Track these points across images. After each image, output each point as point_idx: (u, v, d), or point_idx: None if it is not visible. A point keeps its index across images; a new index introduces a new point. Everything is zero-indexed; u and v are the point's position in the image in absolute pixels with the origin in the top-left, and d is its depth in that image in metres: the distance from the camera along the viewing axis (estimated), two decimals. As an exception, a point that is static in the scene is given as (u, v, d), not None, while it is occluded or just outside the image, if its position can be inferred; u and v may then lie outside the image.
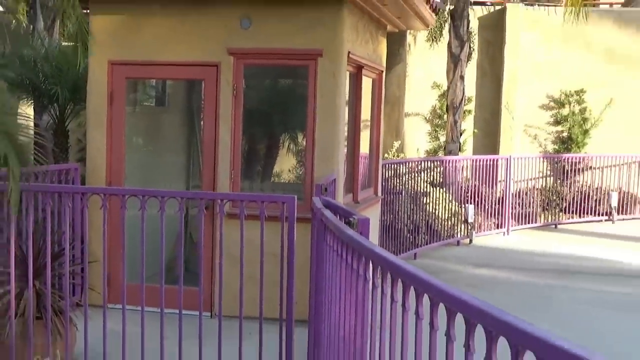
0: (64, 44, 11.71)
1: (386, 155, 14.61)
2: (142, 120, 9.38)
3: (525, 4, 18.99)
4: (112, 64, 7.75)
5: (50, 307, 5.38)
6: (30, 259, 5.35)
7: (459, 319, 2.24)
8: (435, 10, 10.20)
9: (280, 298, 5.13)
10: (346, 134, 8.14)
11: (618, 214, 16.48)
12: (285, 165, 9.60)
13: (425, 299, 2.53)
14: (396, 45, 17.15)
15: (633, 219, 16.71)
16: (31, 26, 12.98)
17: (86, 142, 8.17)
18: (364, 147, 9.35)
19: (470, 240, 13.45)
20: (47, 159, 7.54)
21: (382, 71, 10.08)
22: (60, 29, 12.94)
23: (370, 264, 3.20)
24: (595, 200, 16.42)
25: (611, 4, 23.10)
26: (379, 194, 10.35)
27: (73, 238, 5.76)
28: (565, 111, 18.01)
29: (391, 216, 11.41)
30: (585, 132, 17.83)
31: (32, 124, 9.39)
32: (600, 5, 22.42)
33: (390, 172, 11.81)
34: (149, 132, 9.53)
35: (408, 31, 16.42)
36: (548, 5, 17.98)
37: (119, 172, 7.81)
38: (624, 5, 21.43)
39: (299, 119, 8.25)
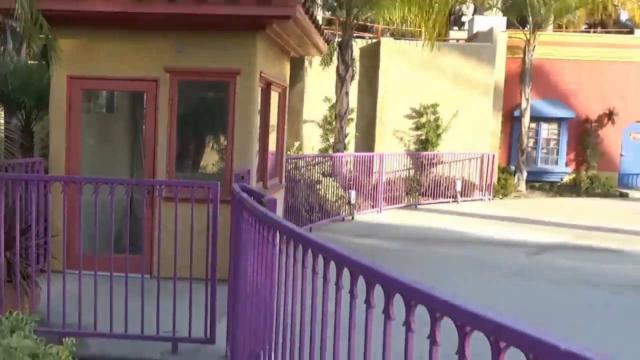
0: (29, 62, 11.22)
1: (289, 152, 14.61)
2: (95, 124, 9.06)
3: (395, 39, 19.33)
4: (70, 78, 7.45)
5: (19, 272, 5.15)
6: (2, 234, 5.12)
7: (346, 272, 2.28)
8: (327, 41, 10.24)
9: (207, 262, 5.07)
10: (258, 135, 8.11)
11: (461, 196, 17.07)
12: (211, 159, 9.47)
13: (320, 259, 2.56)
14: (297, 68, 17.17)
15: (472, 200, 17.35)
16: (2, 47, 12.36)
17: (49, 140, 7.84)
18: (272, 146, 9.33)
19: (352, 217, 13.62)
20: (16, 154, 7.24)
21: (286, 87, 10.06)
22: (26, 50, 12.39)
23: (278, 234, 3.20)
24: (445, 187, 16.94)
25: (457, 40, 23.81)
26: (283, 182, 10.35)
27: (38, 217, 5.52)
28: (423, 120, 18.43)
29: (292, 199, 11.44)
30: (438, 136, 18.30)
31: (2, 124, 8.99)
32: (450, 40, 23.06)
33: (291, 165, 11.83)
34: (101, 133, 9.21)
35: (306, 57, 16.46)
36: (411, 40, 18.37)
37: (75, 164, 7.54)
38: (467, 41, 22.12)
39: (221, 124, 8.15)
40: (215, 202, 5.03)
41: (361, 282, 2.16)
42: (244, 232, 4.20)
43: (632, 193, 20.41)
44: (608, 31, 25.31)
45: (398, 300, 1.91)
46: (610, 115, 20.96)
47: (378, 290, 2.04)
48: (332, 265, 2.40)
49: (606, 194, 20.00)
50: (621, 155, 21.47)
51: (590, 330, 6.43)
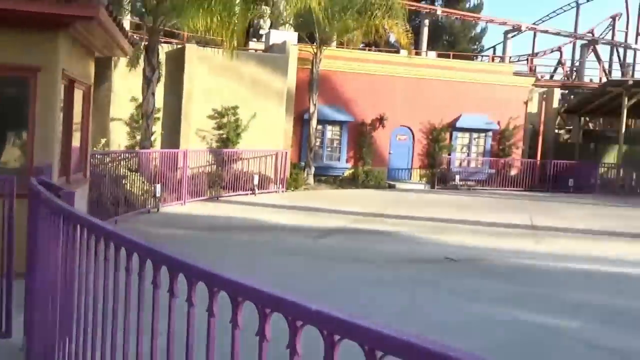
0: None
1: (95, 148, 13.74)
2: None
3: (201, 45, 19.05)
4: None
5: None
6: None
7: (135, 257, 2.20)
8: (133, 43, 9.79)
9: (2, 256, 4.59)
10: (61, 131, 7.51)
11: (258, 189, 17.34)
12: (12, 155, 8.56)
13: (112, 246, 2.45)
14: (104, 67, 16.22)
15: (268, 192, 17.71)
16: None
17: None
18: (76, 142, 8.71)
19: (158, 209, 13.18)
20: None
21: (91, 85, 9.44)
22: None
23: (72, 225, 3.00)
24: (244, 181, 17.09)
25: (256, 50, 24.12)
26: (88, 176, 9.72)
27: None
28: (225, 120, 18.42)
29: (98, 193, 10.78)
30: (238, 135, 18.41)
31: None
32: (250, 50, 23.29)
33: (97, 160, 11.16)
34: None
35: (113, 57, 15.59)
36: (214, 47, 18.24)
37: None
38: (264, 51, 22.49)
39: (23, 119, 7.41)
40: (12, 195, 4.58)
41: (156, 267, 2.10)
42: (40, 225, 3.87)
43: (399, 185, 22.31)
44: (380, 50, 27.31)
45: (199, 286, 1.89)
46: (381, 119, 22.67)
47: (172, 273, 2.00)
48: (123, 251, 2.30)
49: (378, 186, 21.62)
50: (389, 153, 23.35)
51: (360, 298, 6.90)
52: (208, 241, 10.15)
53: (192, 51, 18.17)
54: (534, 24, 36.63)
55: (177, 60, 18.08)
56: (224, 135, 18.37)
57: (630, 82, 24.22)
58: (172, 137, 17.98)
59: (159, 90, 16.28)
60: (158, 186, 13.02)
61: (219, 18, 13.26)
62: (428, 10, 34.08)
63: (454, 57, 28.71)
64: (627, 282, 8.54)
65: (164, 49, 17.37)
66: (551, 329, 6.08)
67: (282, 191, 18.30)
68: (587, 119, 34.28)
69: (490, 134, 24.24)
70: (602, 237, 12.43)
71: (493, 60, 35.36)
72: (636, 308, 7.05)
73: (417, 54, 27.42)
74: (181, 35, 23.00)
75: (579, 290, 7.84)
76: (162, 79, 17.20)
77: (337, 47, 23.57)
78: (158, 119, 17.36)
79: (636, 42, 38.28)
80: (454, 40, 41.06)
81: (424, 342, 1.16)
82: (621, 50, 38.36)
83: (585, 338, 5.83)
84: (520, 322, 6.26)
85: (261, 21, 25.60)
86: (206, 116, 18.30)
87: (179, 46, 19.04)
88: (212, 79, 18.14)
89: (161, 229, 11.11)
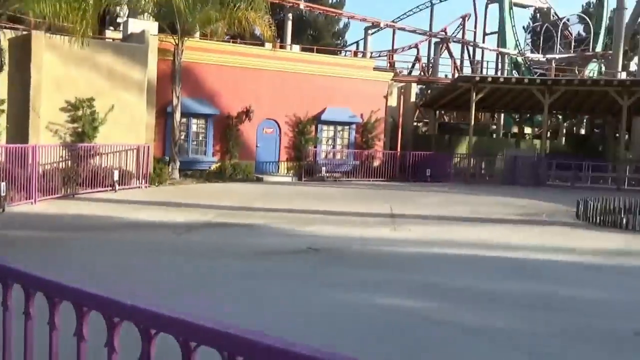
0: None
1: None
2: None
3: (52, 33, 17.77)
4: None
5: None
6: None
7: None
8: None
9: None
10: None
11: (119, 185, 16.61)
12: None
13: None
14: None
15: (130, 188, 17.03)
16: None
17: None
18: None
19: (3, 210, 12.15)
20: None
21: None
22: None
23: None
24: (103, 177, 16.29)
25: (113, 39, 23.03)
26: None
27: None
28: (79, 113, 17.40)
29: None
30: (95, 129, 17.49)
31: None
32: (106, 39, 22.17)
33: None
34: None
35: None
36: (65, 35, 17.11)
37: None
38: (122, 40, 21.51)
39: None
40: None
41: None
42: None
43: (266, 177, 22.44)
44: (245, 42, 27.20)
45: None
46: (247, 112, 22.63)
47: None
48: None
49: (246, 179, 21.61)
50: (257, 146, 23.39)
51: (220, 291, 6.85)
52: (56, 242, 9.52)
53: (39, 39, 16.90)
54: (392, 21, 38.42)
55: (23, 48, 16.73)
56: (79, 129, 17.34)
57: (477, 78, 26.26)
58: (19, 131, 16.64)
59: (3, 80, 15.02)
60: (2, 184, 12.01)
61: (68, 3, 12.46)
62: (291, 5, 34.49)
63: (318, 51, 29.34)
64: (474, 263, 9.26)
65: (6, 36, 16.00)
66: (407, 311, 6.44)
67: (145, 187, 17.67)
68: (442, 112, 36.72)
69: (353, 126, 25.10)
70: (453, 222, 13.37)
71: (355, 55, 36.64)
72: (482, 288, 7.67)
73: (282, 47, 27.68)
74: (28, 21, 21.30)
75: (431, 273, 8.37)
76: (6, 68, 15.84)
77: (200, 39, 23.12)
78: (2, 111, 16.02)
79: (483, 41, 41.54)
80: (318, 34, 42.01)
81: (236, 331, 1.17)
82: (471, 48, 41.44)
83: (437, 318, 6.23)
84: (376, 306, 6.56)
85: (118, 9, 24.44)
86: (58, 108, 17.15)
87: (25, 33, 17.63)
88: (65, 68, 17.03)
89: (8, 231, 10.25)
